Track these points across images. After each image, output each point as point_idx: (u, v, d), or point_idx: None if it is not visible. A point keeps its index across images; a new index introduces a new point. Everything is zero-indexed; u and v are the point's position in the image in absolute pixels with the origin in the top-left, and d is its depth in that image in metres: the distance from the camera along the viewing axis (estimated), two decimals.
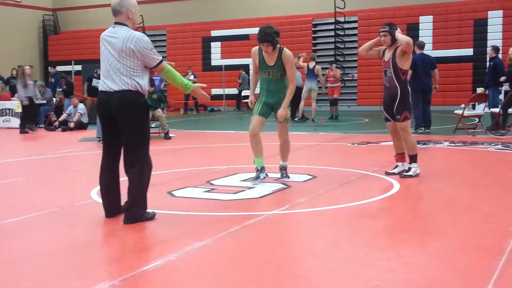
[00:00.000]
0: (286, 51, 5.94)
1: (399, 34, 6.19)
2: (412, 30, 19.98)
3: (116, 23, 4.52)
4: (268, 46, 5.84)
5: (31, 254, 3.76)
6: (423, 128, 11.43)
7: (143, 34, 4.51)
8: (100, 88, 4.57)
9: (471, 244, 3.81)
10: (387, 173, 6.47)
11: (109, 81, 4.44)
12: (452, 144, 9.43)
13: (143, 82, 4.48)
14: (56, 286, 3.08)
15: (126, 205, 4.53)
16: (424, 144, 9.59)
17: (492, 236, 3.97)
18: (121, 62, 4.40)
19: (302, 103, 14.92)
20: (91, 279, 3.17)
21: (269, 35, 5.78)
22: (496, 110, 11.18)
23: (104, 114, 4.56)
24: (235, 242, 3.97)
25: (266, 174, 6.04)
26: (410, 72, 11.25)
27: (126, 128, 4.47)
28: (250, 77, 5.92)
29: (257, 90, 6.13)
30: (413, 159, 6.34)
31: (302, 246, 3.84)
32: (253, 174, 6.08)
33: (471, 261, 3.44)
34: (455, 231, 4.16)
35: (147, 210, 4.57)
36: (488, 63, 12.50)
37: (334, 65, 16.60)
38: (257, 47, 6.03)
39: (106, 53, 4.48)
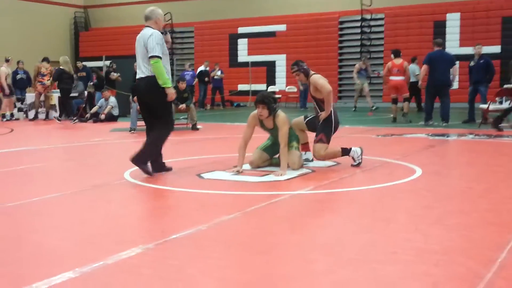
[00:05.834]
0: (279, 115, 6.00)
1: (321, 81, 6.25)
2: (439, 28, 19.97)
3: (146, 26, 5.85)
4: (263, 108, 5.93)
5: (69, 222, 4.05)
6: (431, 121, 11.92)
7: (159, 32, 5.76)
8: (137, 76, 5.96)
9: (488, 221, 3.96)
10: None
11: (139, 70, 5.86)
12: (476, 137, 9.50)
13: None
14: (96, 248, 3.35)
15: (138, 151, 5.74)
16: (448, 136, 9.69)
17: (509, 214, 4.12)
18: (146, 54, 5.69)
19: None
20: (127, 244, 3.41)
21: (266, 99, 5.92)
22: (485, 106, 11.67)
23: (138, 95, 6.16)
24: (262, 216, 4.18)
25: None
26: (425, 67, 11.69)
27: (150, 104, 5.87)
28: (239, 147, 6.08)
29: None
30: (345, 153, 6.41)
31: (324, 219, 4.04)
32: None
33: (486, 234, 3.59)
34: (473, 210, 4.31)
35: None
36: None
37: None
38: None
39: (137, 46, 5.84)
